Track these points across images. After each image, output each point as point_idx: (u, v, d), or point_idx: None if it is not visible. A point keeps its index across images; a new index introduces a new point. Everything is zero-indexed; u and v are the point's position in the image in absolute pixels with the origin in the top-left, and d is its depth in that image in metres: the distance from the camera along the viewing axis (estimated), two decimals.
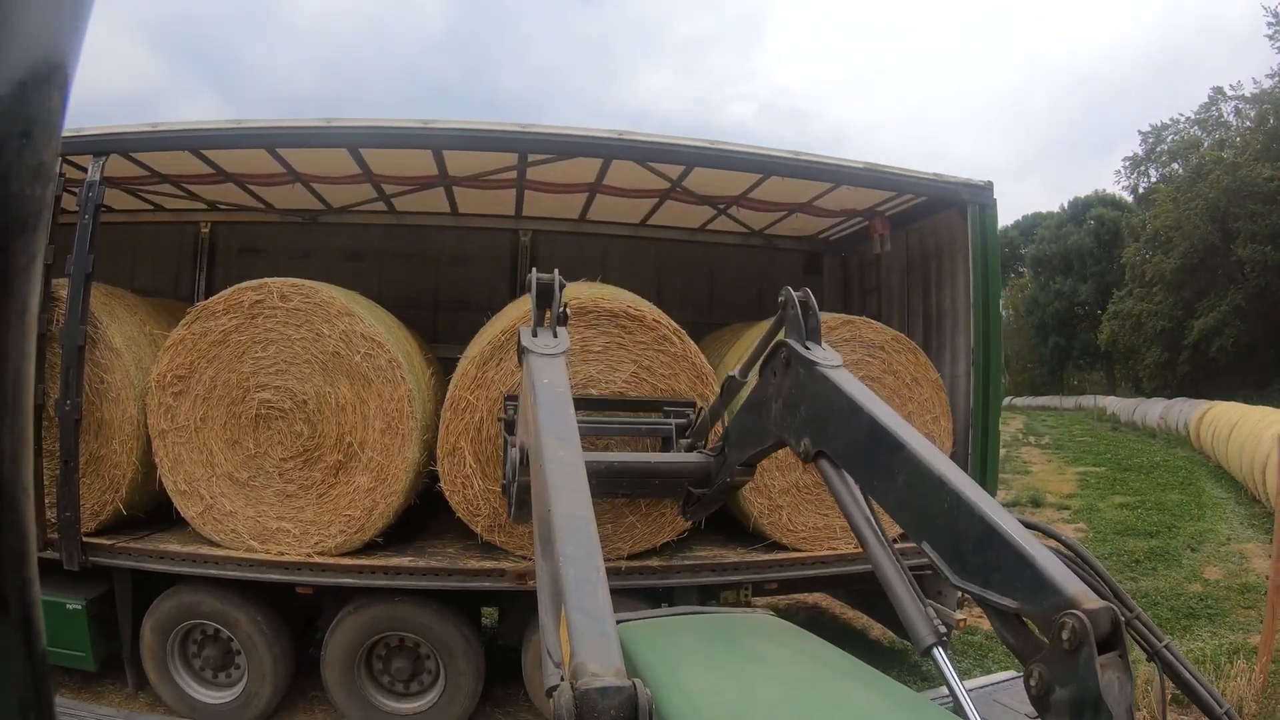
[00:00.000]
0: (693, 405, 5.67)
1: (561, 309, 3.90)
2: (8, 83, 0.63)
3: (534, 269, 4.13)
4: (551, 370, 3.32)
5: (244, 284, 6.61)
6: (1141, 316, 51.36)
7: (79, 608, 6.83)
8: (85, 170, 6.86)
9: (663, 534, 6.14)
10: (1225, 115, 50.68)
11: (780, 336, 3.55)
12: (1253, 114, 45.89)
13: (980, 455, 7.96)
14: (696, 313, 9.41)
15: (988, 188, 7.93)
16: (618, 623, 1.79)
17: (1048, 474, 25.60)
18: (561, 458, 2.47)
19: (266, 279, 6.62)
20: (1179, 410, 34.57)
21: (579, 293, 5.83)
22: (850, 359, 7.17)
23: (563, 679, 1.54)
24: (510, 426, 4.71)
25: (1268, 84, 44.07)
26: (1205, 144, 50.04)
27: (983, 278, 7.84)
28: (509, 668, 7.10)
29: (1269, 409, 23.91)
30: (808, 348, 3.24)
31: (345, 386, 6.53)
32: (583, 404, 4.84)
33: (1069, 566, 2.02)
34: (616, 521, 5.95)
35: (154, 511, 7.25)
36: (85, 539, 6.76)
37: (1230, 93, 49.28)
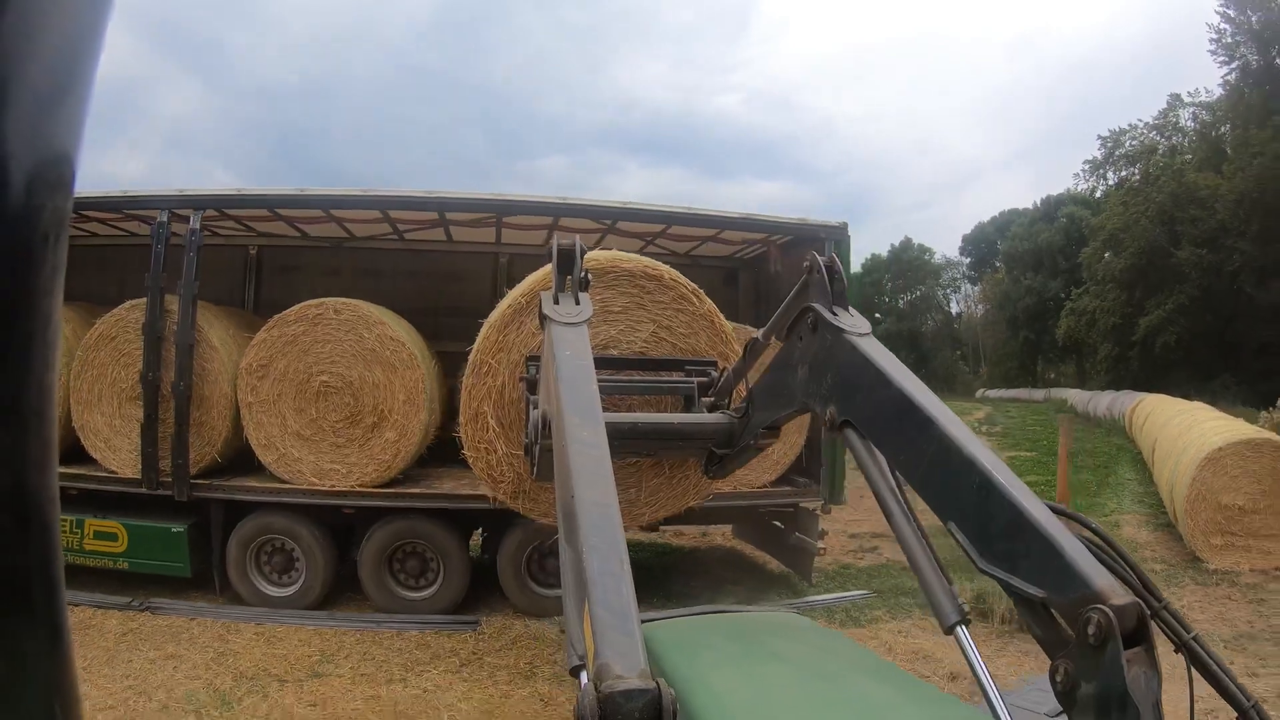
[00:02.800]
0: (714, 364, 5.46)
1: (583, 275, 3.80)
2: (27, 100, 0.65)
3: (554, 235, 4.05)
4: (573, 340, 3.22)
5: (309, 302, 9.59)
6: (1096, 313, 53.20)
7: (181, 530, 9.67)
8: (188, 221, 9.73)
9: (687, 498, 6.06)
10: (1183, 121, 52.26)
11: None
12: (1207, 119, 47.67)
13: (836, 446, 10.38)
14: None
15: (842, 228, 10.59)
16: (642, 622, 1.77)
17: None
18: (584, 438, 2.39)
19: (325, 299, 9.61)
20: (1121, 402, 36.59)
21: (596, 256, 5.79)
22: None
23: (586, 677, 1.57)
24: (533, 386, 4.55)
25: (1219, 93, 45.56)
26: (1161, 149, 51.72)
27: None
28: (489, 572, 10.06)
29: (1181, 401, 26.11)
30: (835, 313, 3.11)
31: (379, 372, 9.55)
32: (603, 364, 4.69)
33: (1097, 557, 2.01)
34: (640, 485, 5.81)
35: (235, 460, 10.13)
36: (191, 480, 9.63)
37: (1188, 99, 50.93)
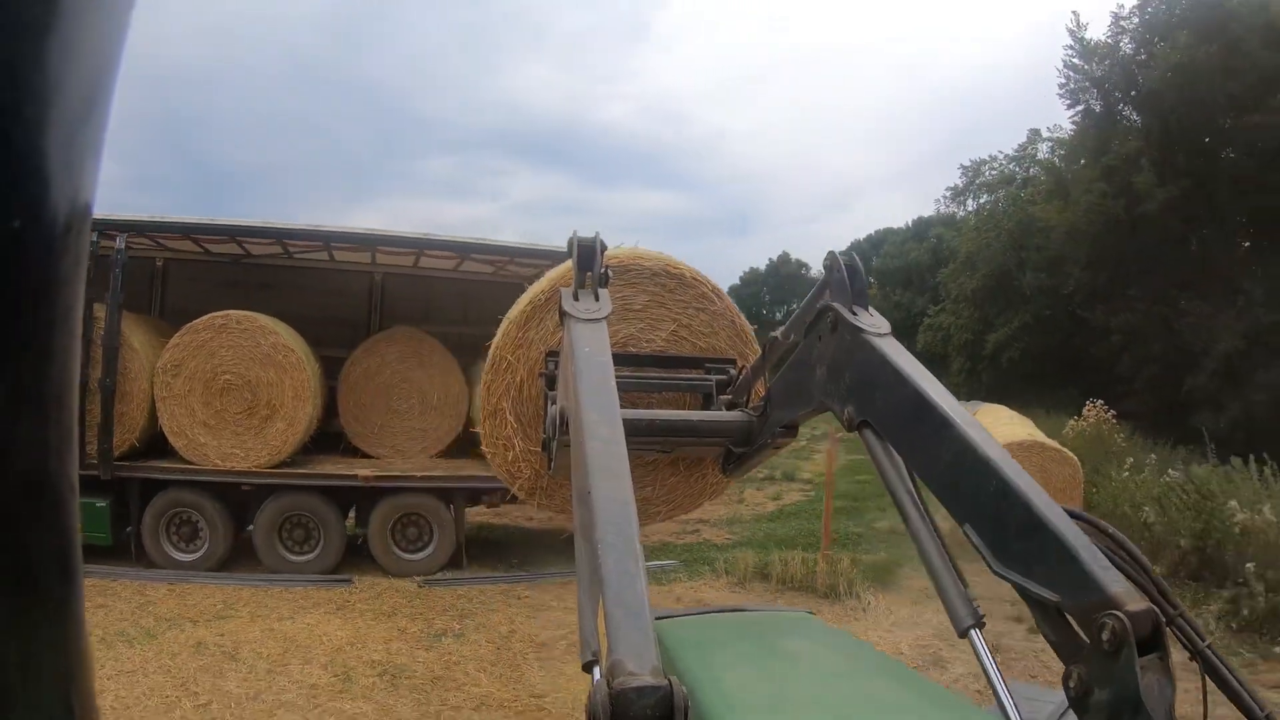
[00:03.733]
0: (733, 363, 5.22)
1: (603, 271, 3.68)
2: (52, 92, 0.65)
3: (574, 231, 3.93)
4: (592, 337, 3.12)
5: (215, 314, 11.72)
6: (951, 329, 56.19)
7: (104, 505, 11.47)
8: (114, 240, 11.62)
9: (703, 496, 5.77)
10: (1041, 154, 53.78)
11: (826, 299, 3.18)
12: (1061, 154, 50.06)
13: None
14: (466, 325, 14.49)
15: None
16: (657, 619, 1.78)
17: (823, 460, 30.50)
18: (602, 435, 2.29)
19: (229, 311, 11.74)
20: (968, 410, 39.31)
21: (617, 253, 5.45)
22: None
23: (599, 673, 1.54)
24: (551, 382, 4.51)
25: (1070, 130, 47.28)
26: (1018, 180, 54.71)
27: None
28: (361, 542, 12.28)
29: (1003, 409, 28.57)
30: (854, 313, 2.92)
31: (272, 372, 11.74)
32: (622, 361, 4.58)
33: (1114, 563, 1.95)
34: (656, 484, 5.55)
35: (150, 445, 12.11)
36: (114, 462, 11.49)
37: (1046, 134, 52.17)
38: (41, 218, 0.66)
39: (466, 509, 12.75)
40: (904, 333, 67.33)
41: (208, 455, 11.70)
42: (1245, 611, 10.35)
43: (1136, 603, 1.75)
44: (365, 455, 13.29)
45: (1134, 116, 34.34)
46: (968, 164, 61.49)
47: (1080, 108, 37.31)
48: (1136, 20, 32.13)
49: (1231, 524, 11.92)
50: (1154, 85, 30.71)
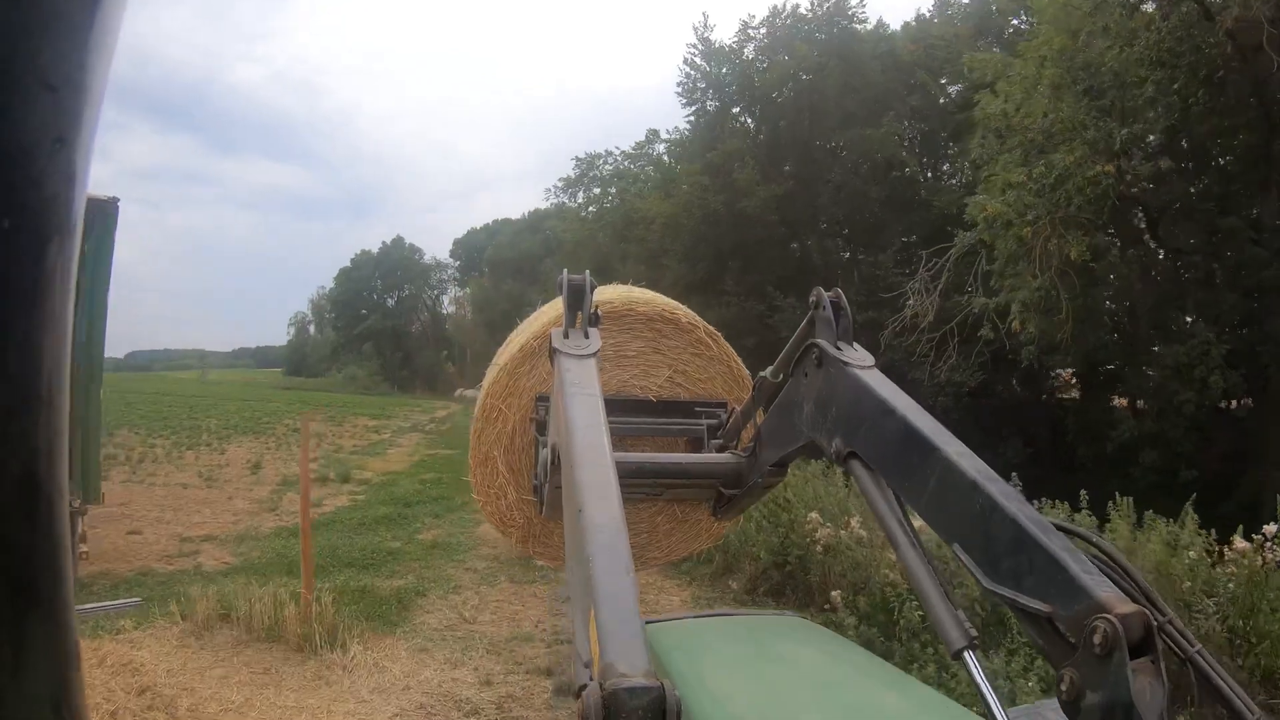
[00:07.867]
0: (724, 405, 5.15)
1: (593, 310, 3.59)
2: (41, 87, 0.63)
3: (565, 270, 3.79)
4: (582, 372, 3.15)
5: None
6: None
7: None
8: None
9: (699, 540, 5.64)
10: (658, 152, 54.23)
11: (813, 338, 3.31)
12: (674, 153, 51.00)
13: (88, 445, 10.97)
14: None
15: (111, 203, 10.57)
16: (647, 624, 1.82)
17: (398, 457, 28.63)
18: (592, 460, 2.38)
19: None
20: None
21: (611, 296, 5.27)
22: None
23: (591, 679, 1.54)
24: (542, 427, 4.48)
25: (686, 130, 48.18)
26: (630, 175, 55.62)
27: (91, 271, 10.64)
28: None
29: None
30: (839, 348, 3.06)
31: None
32: (614, 407, 4.28)
33: (1103, 570, 2.01)
34: (653, 530, 5.49)
35: None
36: None
37: (665, 136, 52.52)
38: (32, 219, 0.65)
39: None
40: (513, 323, 69.40)
41: None
42: None
43: (1126, 606, 1.79)
44: None
45: (746, 119, 35.85)
46: (582, 156, 61.22)
47: (696, 106, 38.03)
48: (764, 31, 33.43)
49: (812, 540, 10.38)
50: (770, 92, 32.61)
